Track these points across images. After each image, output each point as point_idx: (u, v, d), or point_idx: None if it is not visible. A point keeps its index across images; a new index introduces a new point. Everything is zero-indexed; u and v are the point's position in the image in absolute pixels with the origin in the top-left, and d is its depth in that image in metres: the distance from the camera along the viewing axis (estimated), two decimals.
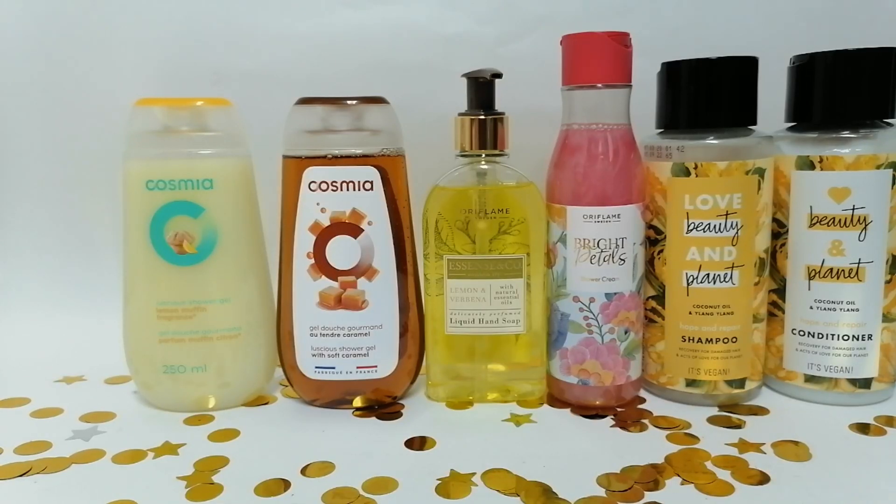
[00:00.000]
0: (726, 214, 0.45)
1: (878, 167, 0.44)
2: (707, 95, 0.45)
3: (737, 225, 0.45)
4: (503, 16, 0.59)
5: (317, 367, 0.47)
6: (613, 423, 0.45)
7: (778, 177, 0.47)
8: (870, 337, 0.46)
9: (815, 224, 0.45)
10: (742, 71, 0.45)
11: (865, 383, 0.46)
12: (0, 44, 0.60)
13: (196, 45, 0.60)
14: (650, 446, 0.41)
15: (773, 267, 0.48)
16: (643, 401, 0.48)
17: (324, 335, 0.46)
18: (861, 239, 0.45)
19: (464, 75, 0.46)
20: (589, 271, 0.45)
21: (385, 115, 0.46)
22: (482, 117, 0.46)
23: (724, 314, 0.46)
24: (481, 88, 0.46)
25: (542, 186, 0.47)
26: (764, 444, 0.41)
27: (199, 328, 0.46)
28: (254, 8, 0.60)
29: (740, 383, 0.47)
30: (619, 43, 0.44)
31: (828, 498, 0.35)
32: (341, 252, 0.45)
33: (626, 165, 0.45)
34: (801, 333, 0.47)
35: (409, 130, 0.48)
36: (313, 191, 0.45)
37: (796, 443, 0.41)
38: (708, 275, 0.45)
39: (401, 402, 0.48)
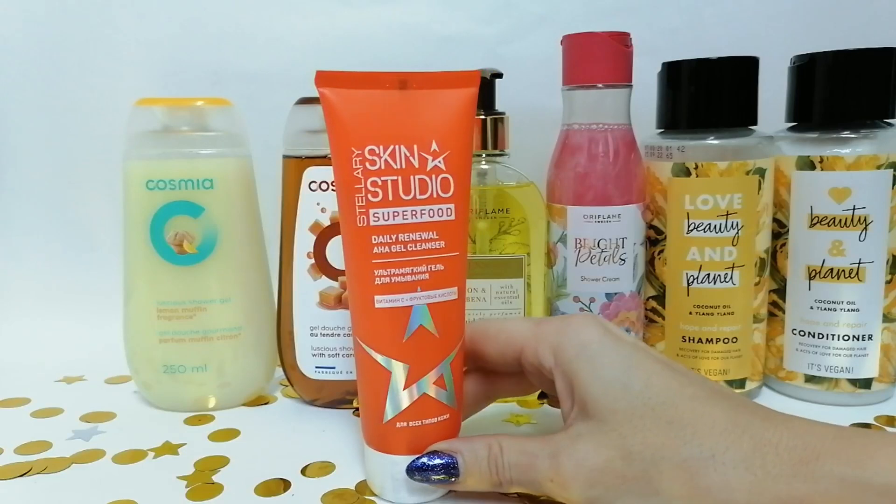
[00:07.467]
0: (727, 214, 0.45)
1: (879, 167, 0.44)
2: (707, 95, 0.45)
3: (737, 225, 0.45)
4: (503, 16, 0.59)
5: (317, 367, 0.46)
6: None
7: (778, 177, 0.47)
8: (870, 337, 0.45)
9: (815, 224, 0.45)
10: (742, 71, 0.45)
11: (865, 383, 0.46)
12: (0, 43, 0.60)
13: (196, 45, 0.60)
14: None
15: (773, 267, 0.48)
16: None
17: (324, 335, 0.46)
18: (861, 239, 0.45)
19: None
20: (589, 271, 0.45)
21: None
22: (482, 117, 0.46)
23: (724, 314, 0.46)
24: (481, 88, 0.46)
25: (542, 186, 0.47)
26: None
27: (200, 328, 0.46)
28: (254, 8, 0.60)
29: (740, 383, 0.47)
30: (620, 43, 0.44)
31: None
32: (341, 252, 0.45)
33: (627, 165, 0.45)
34: (802, 333, 0.47)
35: None
36: (313, 191, 0.45)
37: None
38: (708, 275, 0.45)
39: None
